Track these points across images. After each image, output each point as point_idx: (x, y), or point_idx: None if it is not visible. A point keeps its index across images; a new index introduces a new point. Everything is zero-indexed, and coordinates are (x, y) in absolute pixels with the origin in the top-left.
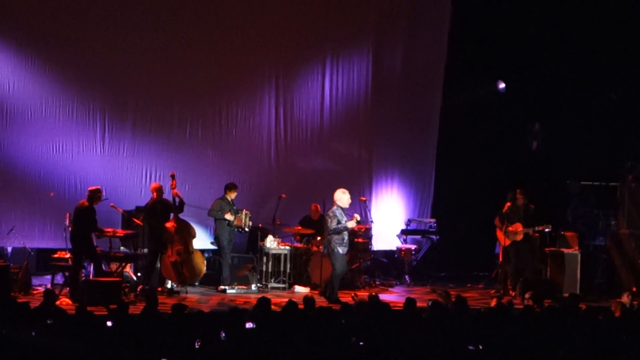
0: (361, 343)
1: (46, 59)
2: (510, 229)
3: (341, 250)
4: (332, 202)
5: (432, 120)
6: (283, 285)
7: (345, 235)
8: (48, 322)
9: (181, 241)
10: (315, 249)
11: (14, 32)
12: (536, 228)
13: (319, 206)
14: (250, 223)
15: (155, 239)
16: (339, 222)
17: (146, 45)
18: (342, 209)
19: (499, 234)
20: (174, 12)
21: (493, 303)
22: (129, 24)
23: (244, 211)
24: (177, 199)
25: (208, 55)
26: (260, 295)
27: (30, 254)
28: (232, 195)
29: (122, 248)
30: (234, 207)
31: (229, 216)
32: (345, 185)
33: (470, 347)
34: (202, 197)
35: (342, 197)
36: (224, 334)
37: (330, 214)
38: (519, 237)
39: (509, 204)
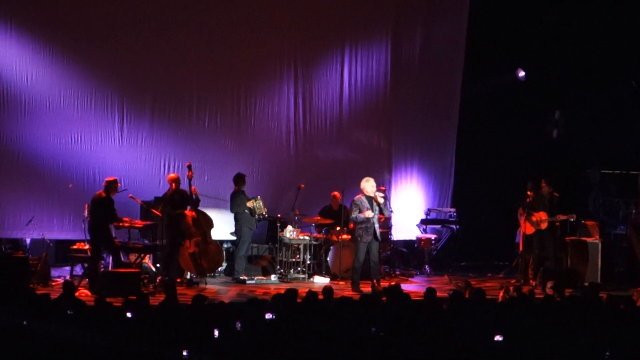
0: (381, 333)
1: (64, 50)
2: (534, 217)
3: (364, 239)
4: (352, 192)
5: (452, 108)
6: (303, 276)
7: (369, 225)
8: (69, 312)
9: (199, 232)
10: (335, 238)
11: (31, 24)
12: (560, 217)
13: (339, 195)
14: (266, 208)
15: (174, 230)
16: (360, 211)
17: (164, 35)
18: (368, 197)
19: (526, 223)
20: (192, 2)
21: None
22: (147, 14)
23: (258, 197)
24: (193, 195)
25: (226, 45)
26: (279, 286)
27: (49, 245)
28: (244, 187)
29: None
30: (248, 197)
31: (251, 204)
32: (365, 174)
33: (495, 338)
34: (221, 187)
35: (366, 185)
36: (241, 325)
37: (352, 203)
38: (544, 226)
39: (531, 193)
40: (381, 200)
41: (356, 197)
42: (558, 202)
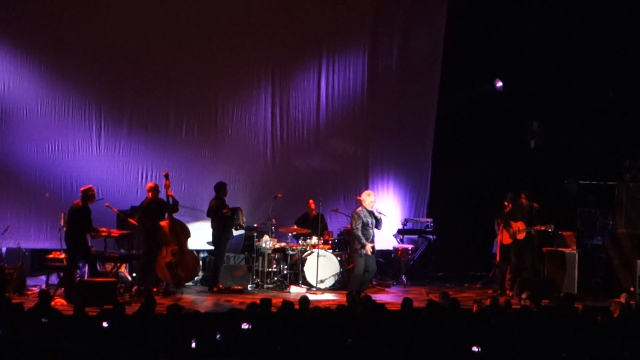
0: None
1: (42, 58)
2: (512, 227)
3: (363, 251)
4: (329, 201)
5: (428, 118)
6: (279, 286)
7: (371, 238)
8: (43, 320)
9: (176, 241)
10: (312, 248)
11: (9, 31)
12: (537, 228)
13: (312, 203)
14: (244, 219)
15: (151, 239)
16: (363, 225)
17: (142, 45)
18: (368, 210)
19: (504, 233)
20: (170, 12)
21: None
22: (125, 23)
23: (240, 208)
24: (170, 199)
25: (204, 55)
26: (255, 296)
27: (24, 254)
28: (224, 195)
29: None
30: (228, 206)
31: (230, 213)
32: (342, 184)
33: (474, 349)
34: (198, 196)
35: (366, 199)
36: (219, 335)
37: (355, 216)
38: (521, 236)
39: (507, 203)
40: (378, 216)
41: (358, 210)
42: (538, 213)
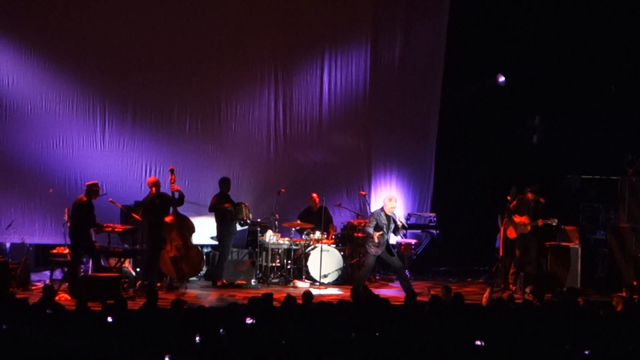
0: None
1: (46, 54)
2: (517, 221)
3: (373, 251)
4: (332, 196)
5: (431, 113)
6: (282, 280)
7: (382, 240)
8: (48, 311)
9: (180, 236)
10: (315, 243)
11: (13, 27)
12: (542, 222)
13: (316, 196)
14: (251, 215)
15: (155, 235)
16: (377, 227)
17: (146, 40)
18: (386, 214)
19: (509, 227)
20: (173, 7)
21: (487, 292)
22: (128, 19)
23: (244, 203)
24: (177, 194)
25: (207, 50)
26: (259, 290)
27: (29, 249)
28: (228, 190)
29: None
30: (233, 201)
31: (233, 207)
32: (345, 179)
33: (476, 343)
34: (202, 191)
35: (387, 204)
36: (224, 330)
37: (371, 217)
38: (528, 229)
39: (514, 202)
40: (399, 224)
41: (375, 211)
42: (543, 207)
